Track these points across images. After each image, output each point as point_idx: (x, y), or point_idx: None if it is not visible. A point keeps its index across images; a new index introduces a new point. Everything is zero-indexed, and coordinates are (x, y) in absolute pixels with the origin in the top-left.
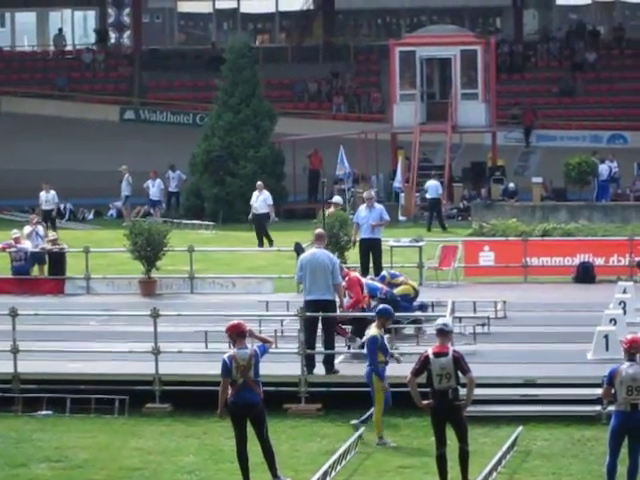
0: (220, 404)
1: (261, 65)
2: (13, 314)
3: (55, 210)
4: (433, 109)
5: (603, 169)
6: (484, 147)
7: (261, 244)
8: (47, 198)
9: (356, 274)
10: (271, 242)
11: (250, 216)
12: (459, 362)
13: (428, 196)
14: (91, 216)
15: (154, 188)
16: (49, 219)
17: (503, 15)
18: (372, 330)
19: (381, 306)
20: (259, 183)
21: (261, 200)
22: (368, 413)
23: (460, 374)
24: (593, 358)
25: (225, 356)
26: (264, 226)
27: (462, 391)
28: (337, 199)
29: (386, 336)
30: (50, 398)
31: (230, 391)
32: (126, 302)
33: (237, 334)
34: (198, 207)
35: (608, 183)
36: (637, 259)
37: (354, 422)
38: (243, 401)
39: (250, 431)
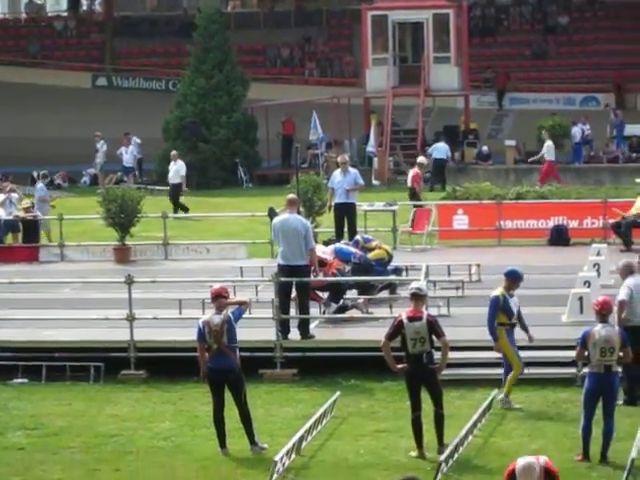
0: (202, 368)
1: (233, 31)
2: None
3: None
4: (405, 73)
5: (576, 132)
6: (457, 111)
7: (176, 211)
8: None
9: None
10: (186, 210)
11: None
12: (433, 326)
13: (434, 156)
14: (65, 183)
15: (127, 155)
16: None
17: None
18: (496, 291)
19: (509, 267)
20: (173, 153)
21: (174, 170)
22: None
23: (434, 338)
24: (568, 320)
25: (199, 321)
26: (177, 195)
27: (437, 355)
28: (421, 159)
29: (360, 299)
30: (25, 366)
31: (207, 357)
32: (100, 269)
33: (212, 298)
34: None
35: (581, 145)
36: (611, 221)
37: (500, 397)
38: (218, 367)
39: (228, 397)
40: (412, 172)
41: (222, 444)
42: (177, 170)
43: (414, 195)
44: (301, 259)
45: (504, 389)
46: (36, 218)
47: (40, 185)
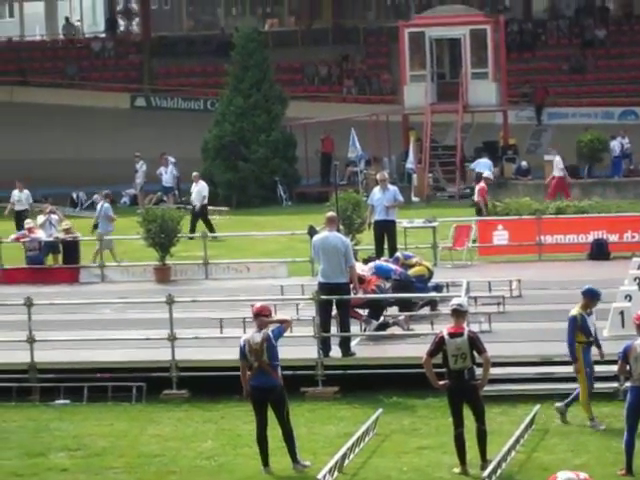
0: (244, 387)
1: (271, 49)
2: (28, 304)
3: (29, 210)
4: (444, 89)
5: (615, 145)
6: (495, 126)
7: (211, 231)
8: (20, 197)
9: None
10: (211, 229)
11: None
12: (474, 342)
13: (478, 170)
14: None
15: (166, 175)
16: (21, 219)
17: None
18: (574, 310)
19: (586, 286)
20: (195, 174)
21: (196, 192)
22: (574, 394)
23: (476, 354)
24: (609, 335)
25: (241, 339)
26: (198, 216)
27: (478, 371)
28: (487, 174)
29: (401, 316)
30: (67, 387)
31: (249, 374)
32: (141, 289)
33: (254, 316)
34: (211, 192)
35: (620, 159)
36: None
37: (558, 405)
38: (259, 385)
39: (271, 415)
40: (478, 187)
41: (265, 462)
42: (199, 191)
43: (480, 210)
44: (341, 277)
45: (587, 414)
46: (76, 239)
47: (106, 205)
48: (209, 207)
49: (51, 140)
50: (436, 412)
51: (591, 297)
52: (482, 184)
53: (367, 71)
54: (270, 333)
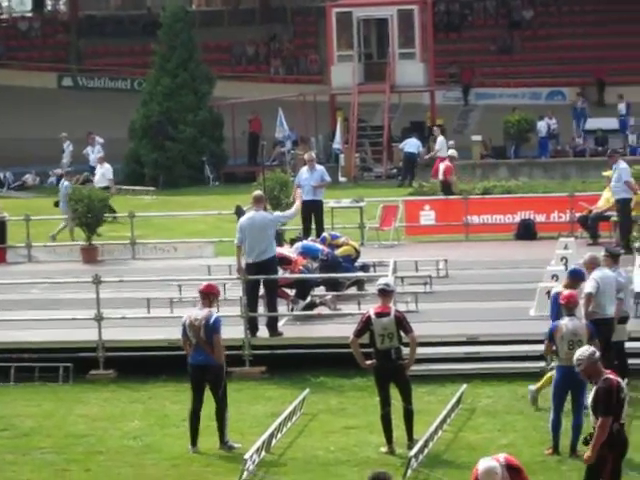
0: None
1: (198, 29)
2: None
3: None
4: (371, 69)
5: (541, 126)
6: (423, 107)
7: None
8: None
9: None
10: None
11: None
12: (401, 322)
13: (406, 150)
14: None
15: (92, 155)
16: None
17: None
18: (557, 287)
19: (572, 266)
20: (99, 155)
21: (100, 174)
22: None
23: (403, 334)
24: (536, 314)
25: (184, 316)
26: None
27: (405, 350)
28: (452, 152)
29: (328, 296)
30: None
31: (188, 351)
32: (68, 269)
33: (200, 294)
34: (138, 173)
35: (547, 140)
36: (578, 215)
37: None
38: (197, 363)
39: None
40: (443, 165)
41: (194, 442)
42: (103, 174)
43: (446, 188)
44: (268, 254)
45: (538, 384)
46: (3, 219)
47: (66, 183)
48: (134, 187)
49: None
50: (363, 392)
51: (574, 277)
52: (447, 162)
53: (295, 51)
54: (214, 313)
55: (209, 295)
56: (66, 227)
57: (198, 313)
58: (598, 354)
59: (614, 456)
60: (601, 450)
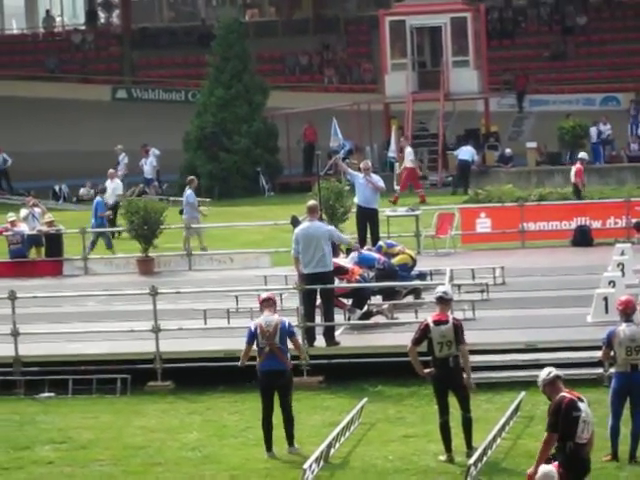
0: (242, 360)
1: (251, 40)
2: (12, 297)
3: None
4: (425, 78)
5: (592, 132)
6: (477, 114)
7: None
8: None
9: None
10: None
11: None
12: (458, 330)
13: (460, 157)
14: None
15: (147, 166)
16: None
17: None
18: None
19: None
20: (110, 171)
21: (111, 189)
22: None
23: None
24: (593, 321)
25: (251, 323)
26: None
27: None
28: (583, 154)
29: (385, 305)
30: (52, 380)
31: (258, 359)
32: (125, 281)
33: (263, 303)
34: None
35: (599, 145)
36: (634, 220)
37: None
38: (269, 369)
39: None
40: (575, 168)
41: (269, 447)
42: (114, 189)
43: (578, 191)
44: (325, 266)
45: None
46: (59, 232)
47: (189, 192)
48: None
49: (33, 133)
50: (421, 400)
51: None
52: (578, 165)
53: (348, 60)
54: (284, 319)
55: (273, 301)
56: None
57: (270, 319)
58: (554, 374)
59: (572, 477)
60: (560, 470)
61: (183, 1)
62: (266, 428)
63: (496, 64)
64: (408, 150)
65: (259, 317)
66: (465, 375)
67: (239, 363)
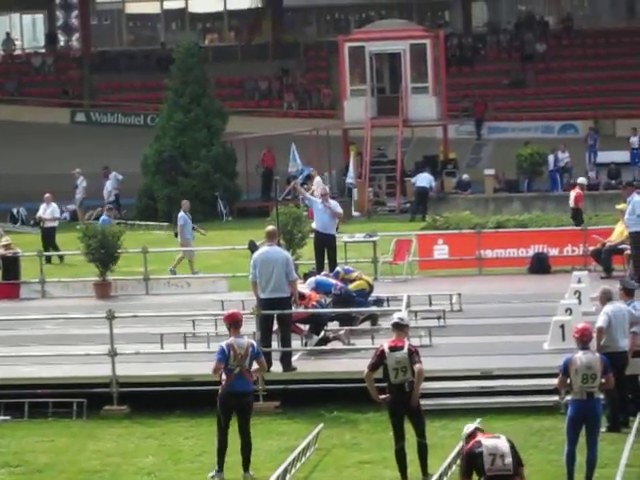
0: (218, 375)
1: (211, 64)
2: None
3: None
4: (384, 104)
5: (550, 159)
6: (436, 140)
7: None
8: None
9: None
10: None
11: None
12: (412, 355)
13: (418, 184)
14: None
15: (106, 189)
16: None
17: (451, 8)
18: None
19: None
20: (47, 195)
21: (49, 212)
22: None
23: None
24: (550, 348)
25: (223, 343)
26: (53, 239)
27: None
28: (582, 180)
29: (342, 331)
30: (7, 403)
31: (225, 380)
32: (81, 305)
33: (233, 323)
34: (151, 207)
35: (556, 173)
36: (591, 248)
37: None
38: (236, 390)
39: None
40: (574, 193)
41: (221, 468)
42: (52, 212)
43: (578, 216)
44: (282, 292)
45: None
46: (16, 255)
47: (181, 214)
48: (147, 222)
49: None
50: (377, 426)
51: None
52: (578, 190)
53: (307, 85)
54: (253, 342)
55: (239, 322)
56: (184, 258)
57: (241, 342)
58: (468, 431)
59: None
60: None
61: (142, 25)
62: (222, 449)
63: (455, 91)
64: (317, 180)
65: (227, 338)
66: (413, 393)
67: (214, 375)
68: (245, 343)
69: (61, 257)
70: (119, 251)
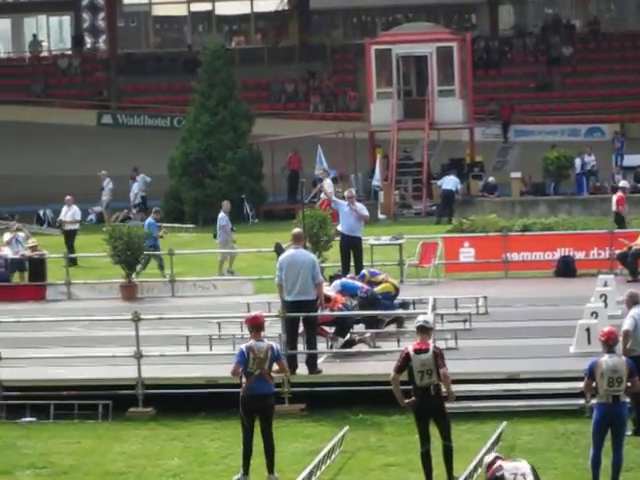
0: (235, 373)
1: (237, 66)
2: None
3: None
4: (410, 106)
5: (576, 162)
6: (462, 143)
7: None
8: None
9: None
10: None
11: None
12: (437, 357)
13: (444, 187)
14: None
15: (133, 191)
16: None
17: (478, 11)
18: None
19: None
20: (67, 198)
21: (70, 215)
22: None
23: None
24: (575, 352)
25: (243, 346)
26: (72, 240)
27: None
28: (623, 183)
29: (367, 333)
30: (33, 405)
31: (245, 383)
32: (107, 307)
33: (255, 326)
34: (178, 210)
35: (582, 176)
36: (618, 252)
37: None
38: (257, 393)
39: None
40: (616, 197)
41: (246, 471)
42: (73, 215)
43: (620, 220)
44: (308, 294)
45: None
46: (42, 256)
47: (221, 215)
48: (174, 225)
49: (17, 157)
50: (402, 429)
51: None
52: (620, 193)
53: (334, 88)
54: (273, 344)
55: (261, 324)
56: (234, 256)
57: (261, 346)
58: (488, 460)
59: None
60: None
61: (169, 27)
62: (248, 452)
63: (481, 94)
64: (328, 181)
65: (248, 341)
66: (446, 394)
67: (233, 376)
68: (265, 346)
69: (74, 260)
70: (145, 253)
